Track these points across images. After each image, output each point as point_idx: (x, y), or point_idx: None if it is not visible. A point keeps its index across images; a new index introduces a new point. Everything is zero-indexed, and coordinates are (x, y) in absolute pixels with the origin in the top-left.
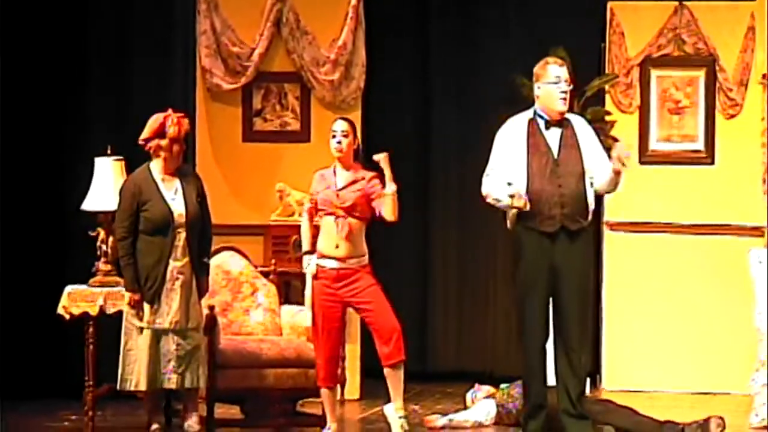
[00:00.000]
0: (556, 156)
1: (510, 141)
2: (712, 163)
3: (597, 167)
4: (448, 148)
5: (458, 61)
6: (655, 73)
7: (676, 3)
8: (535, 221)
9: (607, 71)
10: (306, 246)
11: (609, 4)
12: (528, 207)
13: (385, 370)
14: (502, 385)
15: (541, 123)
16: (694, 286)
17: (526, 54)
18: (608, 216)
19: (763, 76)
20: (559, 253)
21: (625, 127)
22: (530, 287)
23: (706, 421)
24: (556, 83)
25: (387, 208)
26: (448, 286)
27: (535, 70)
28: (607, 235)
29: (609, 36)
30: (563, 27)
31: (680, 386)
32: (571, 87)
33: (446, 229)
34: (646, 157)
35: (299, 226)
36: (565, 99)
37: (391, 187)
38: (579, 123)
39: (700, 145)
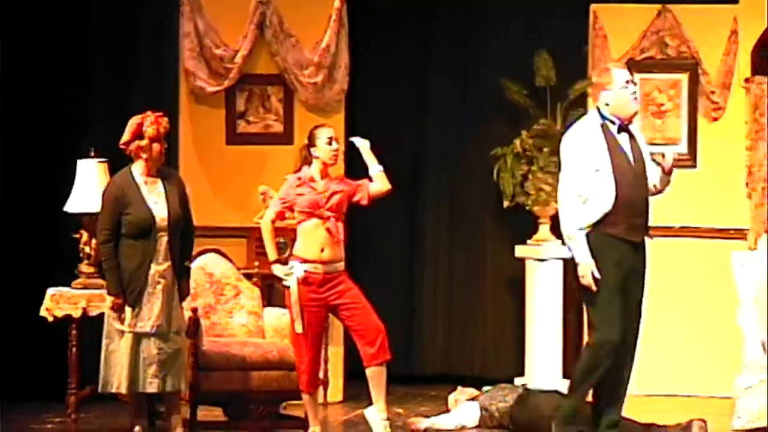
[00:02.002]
0: (633, 162)
1: (589, 147)
2: (695, 166)
3: (653, 168)
4: (436, 147)
5: (444, 61)
6: (638, 77)
7: (660, 6)
8: (620, 229)
9: (590, 74)
10: (273, 255)
11: (592, 7)
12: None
13: (369, 371)
14: (485, 388)
15: (614, 128)
16: (677, 288)
17: (511, 55)
18: None
19: (746, 79)
20: (637, 262)
21: None
22: (616, 293)
23: (689, 424)
24: (626, 87)
25: (381, 183)
26: (436, 287)
27: (597, 79)
28: None
29: (592, 39)
30: (547, 29)
31: (664, 389)
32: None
33: (434, 230)
34: None
35: (280, 228)
36: (637, 98)
37: (377, 168)
38: (635, 128)
39: (683, 148)
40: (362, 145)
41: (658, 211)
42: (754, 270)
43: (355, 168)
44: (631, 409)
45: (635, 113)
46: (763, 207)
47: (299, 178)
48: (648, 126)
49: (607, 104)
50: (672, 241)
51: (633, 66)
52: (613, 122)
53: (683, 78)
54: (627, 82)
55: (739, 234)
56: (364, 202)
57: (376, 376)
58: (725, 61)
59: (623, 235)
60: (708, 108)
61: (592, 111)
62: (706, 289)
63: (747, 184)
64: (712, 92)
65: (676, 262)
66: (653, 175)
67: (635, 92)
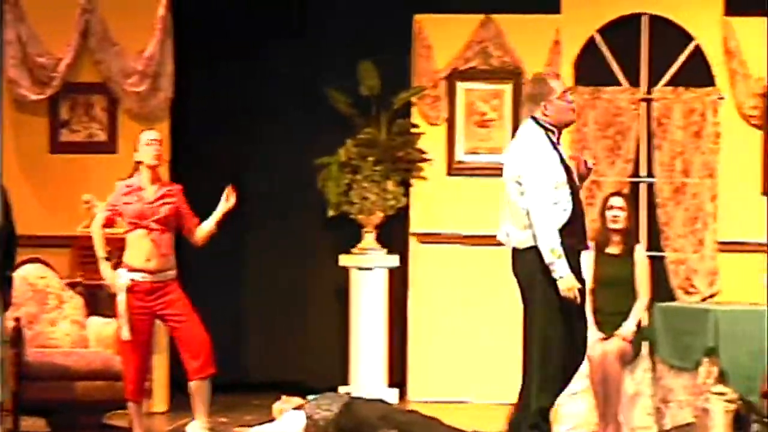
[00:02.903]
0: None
1: (547, 158)
2: None
3: None
4: (261, 156)
5: (270, 69)
6: (461, 86)
7: (483, 16)
8: (575, 239)
9: (414, 84)
10: (101, 252)
11: (416, 17)
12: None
13: (193, 384)
14: (310, 397)
15: (554, 138)
16: (498, 296)
17: (336, 65)
18: (414, 227)
19: (569, 89)
20: (579, 273)
21: (433, 139)
22: (571, 307)
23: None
24: (563, 96)
25: (203, 234)
26: (262, 296)
27: (533, 91)
28: (414, 246)
29: (416, 49)
30: (372, 39)
31: (485, 396)
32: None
33: (260, 238)
34: (453, 169)
35: (108, 238)
36: (574, 108)
37: (211, 224)
38: None
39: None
40: (223, 206)
41: (482, 221)
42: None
43: (180, 177)
44: (455, 416)
45: (572, 122)
46: (586, 217)
47: (128, 186)
48: (472, 136)
49: (546, 115)
50: (494, 249)
51: (456, 76)
52: (552, 132)
53: (507, 88)
54: (563, 92)
55: None
56: (186, 233)
57: (199, 390)
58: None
59: (577, 245)
60: None
61: (529, 122)
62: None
63: None
64: None
65: (497, 271)
66: None
67: (572, 101)
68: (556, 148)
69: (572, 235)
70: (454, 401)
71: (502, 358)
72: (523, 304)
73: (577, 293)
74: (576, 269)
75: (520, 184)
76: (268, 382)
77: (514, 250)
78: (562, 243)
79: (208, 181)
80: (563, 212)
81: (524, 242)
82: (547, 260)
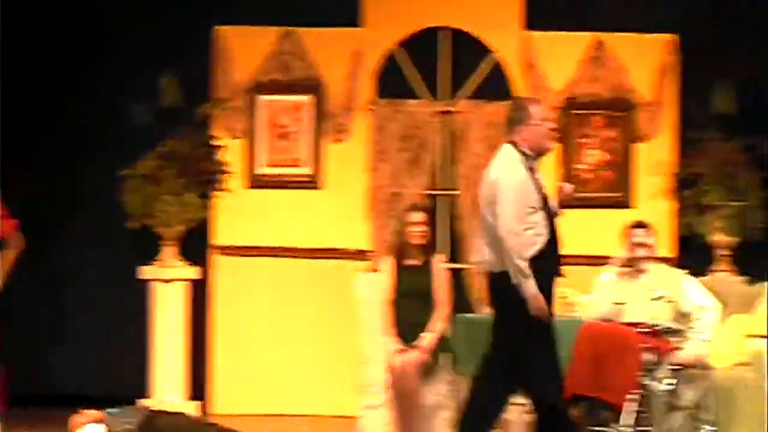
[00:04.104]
0: (547, 195)
1: (523, 183)
2: (319, 187)
3: None
4: (69, 171)
5: (78, 83)
6: (262, 99)
7: (284, 28)
8: (549, 262)
9: (215, 96)
10: None
11: (216, 29)
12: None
13: None
14: (109, 410)
15: (530, 163)
16: (302, 309)
17: (138, 76)
18: (216, 240)
19: (370, 102)
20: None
21: (234, 151)
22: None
23: None
24: (542, 123)
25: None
26: (63, 308)
27: (512, 115)
28: (215, 258)
29: (217, 61)
30: (172, 50)
31: (291, 409)
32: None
33: (62, 252)
34: (253, 181)
35: None
36: (552, 134)
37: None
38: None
39: (307, 169)
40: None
41: (284, 232)
42: (376, 291)
43: None
44: (259, 429)
45: (550, 149)
46: (385, 228)
47: None
48: (273, 148)
49: (524, 139)
50: (296, 261)
51: (257, 88)
52: (529, 157)
53: (308, 100)
54: (542, 117)
55: (361, 255)
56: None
57: None
58: (349, 84)
59: (552, 269)
60: (332, 130)
61: (506, 146)
62: (328, 309)
63: (369, 205)
64: (337, 114)
65: (300, 283)
66: None
67: (550, 128)
68: (532, 173)
69: (547, 259)
70: (258, 414)
71: (306, 369)
72: (500, 326)
73: (546, 312)
74: (552, 292)
75: (493, 205)
76: (69, 394)
77: (490, 274)
78: (538, 267)
79: (44, 184)
80: (537, 237)
81: (497, 265)
82: (514, 281)
